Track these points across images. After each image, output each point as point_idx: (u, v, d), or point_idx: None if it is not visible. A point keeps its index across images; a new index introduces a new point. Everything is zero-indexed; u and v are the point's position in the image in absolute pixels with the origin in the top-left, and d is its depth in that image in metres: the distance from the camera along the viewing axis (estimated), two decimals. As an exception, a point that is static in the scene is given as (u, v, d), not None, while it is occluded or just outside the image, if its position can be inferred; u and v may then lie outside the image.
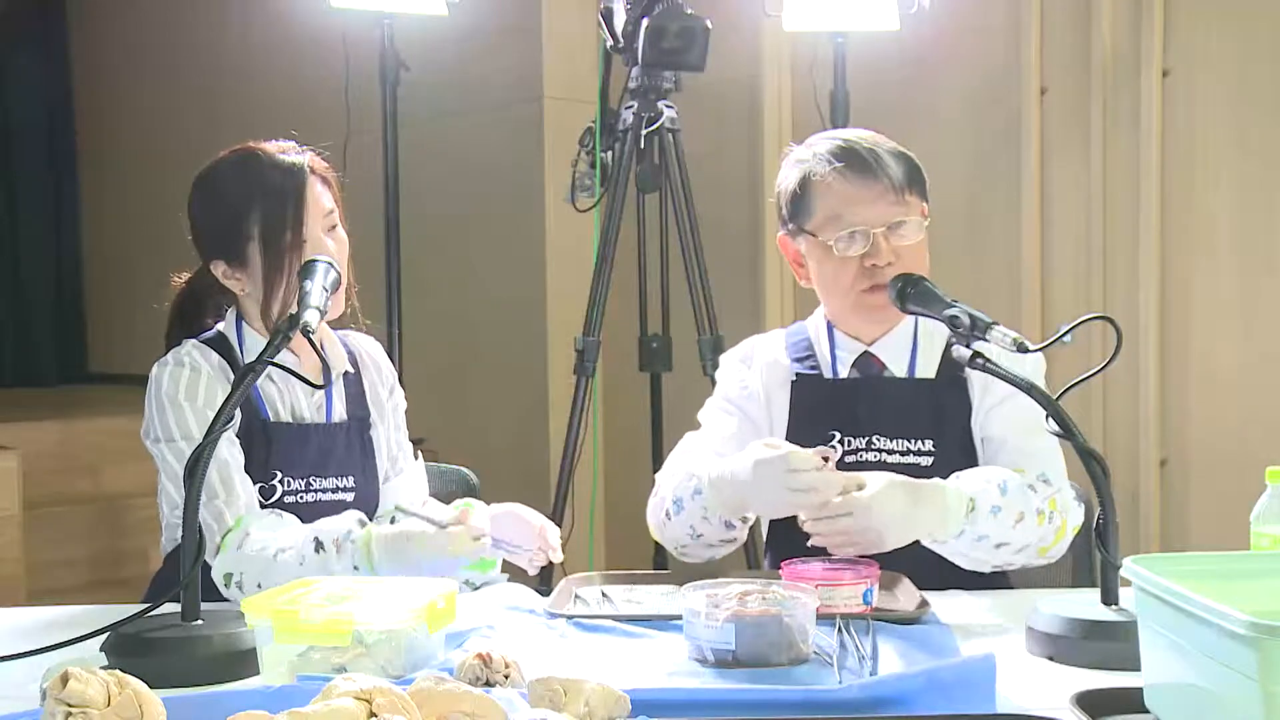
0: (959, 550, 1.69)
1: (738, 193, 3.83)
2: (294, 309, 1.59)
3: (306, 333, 1.54)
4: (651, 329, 3.30)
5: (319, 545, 1.62)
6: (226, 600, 1.64)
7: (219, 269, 1.82)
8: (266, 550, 1.64)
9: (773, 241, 3.80)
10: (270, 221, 1.75)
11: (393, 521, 1.91)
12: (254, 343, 1.81)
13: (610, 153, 3.15)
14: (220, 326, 1.85)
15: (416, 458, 1.99)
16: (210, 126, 5.52)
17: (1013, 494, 1.69)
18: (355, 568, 1.63)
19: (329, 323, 1.86)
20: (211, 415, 1.66)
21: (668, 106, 3.07)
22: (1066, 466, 1.79)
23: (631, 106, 3.08)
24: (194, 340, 1.83)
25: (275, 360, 1.52)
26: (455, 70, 4.11)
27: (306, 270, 1.64)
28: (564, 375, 3.46)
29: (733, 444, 1.91)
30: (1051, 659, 1.39)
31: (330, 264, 1.66)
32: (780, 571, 1.60)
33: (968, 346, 1.59)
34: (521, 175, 4.12)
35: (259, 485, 1.77)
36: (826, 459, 1.65)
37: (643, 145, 3.07)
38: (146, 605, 1.43)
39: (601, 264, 3.12)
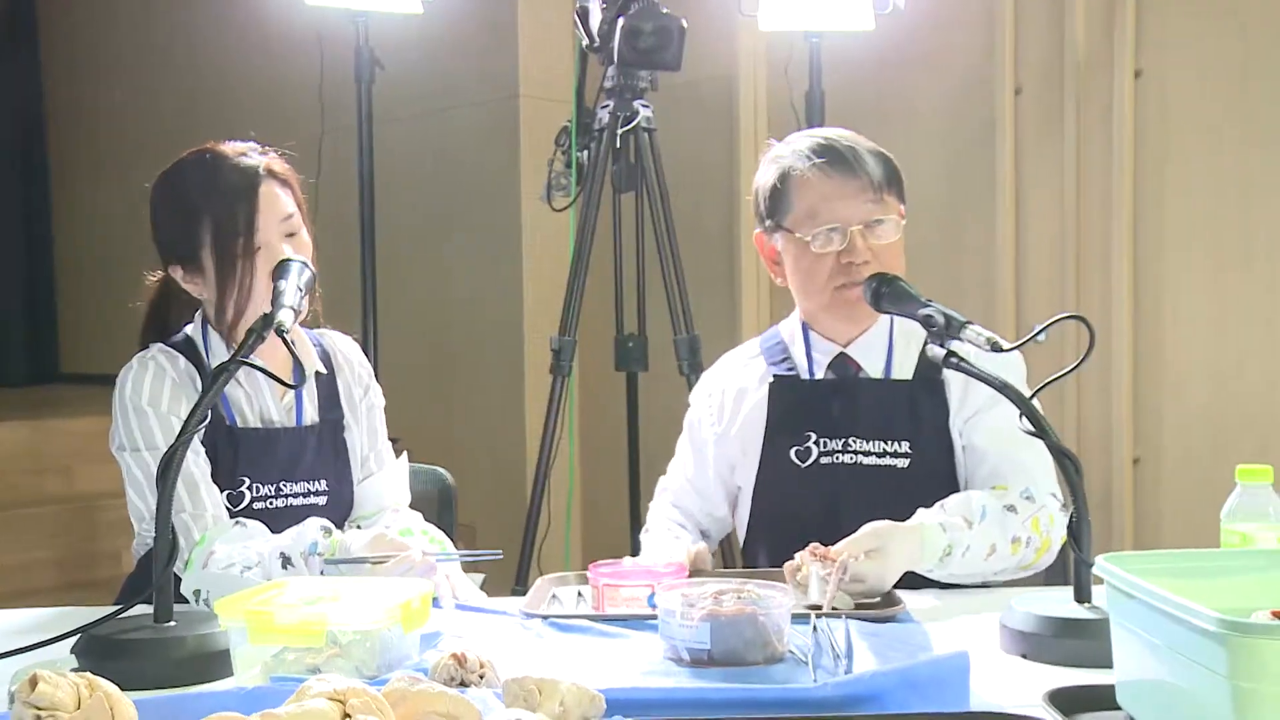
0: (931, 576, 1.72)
1: (714, 192, 3.83)
2: (268, 308, 1.58)
3: (281, 332, 1.53)
4: (628, 328, 3.30)
5: (286, 560, 1.60)
6: None
7: (177, 273, 1.80)
8: (233, 568, 1.62)
9: (749, 241, 3.81)
10: (221, 226, 1.72)
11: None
12: (220, 347, 1.79)
13: (586, 152, 3.14)
14: (188, 330, 1.83)
15: (399, 456, 1.97)
16: (185, 124, 5.48)
17: (989, 523, 1.70)
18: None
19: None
20: (177, 422, 1.67)
21: (644, 106, 3.07)
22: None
23: (607, 106, 3.08)
24: (161, 344, 1.80)
25: (248, 360, 1.51)
26: (430, 68, 4.10)
27: (281, 269, 1.63)
28: (540, 374, 3.46)
29: (689, 491, 1.99)
30: (1024, 656, 1.40)
31: (305, 264, 1.65)
32: (587, 571, 1.64)
33: (942, 346, 1.59)
34: (497, 174, 4.12)
35: (227, 492, 1.75)
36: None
37: (619, 144, 3.07)
38: (118, 607, 1.42)
39: (577, 263, 3.11)
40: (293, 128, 4.45)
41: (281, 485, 1.79)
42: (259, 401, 1.81)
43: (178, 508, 1.66)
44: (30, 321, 6.29)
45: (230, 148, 1.80)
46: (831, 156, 1.82)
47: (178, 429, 1.61)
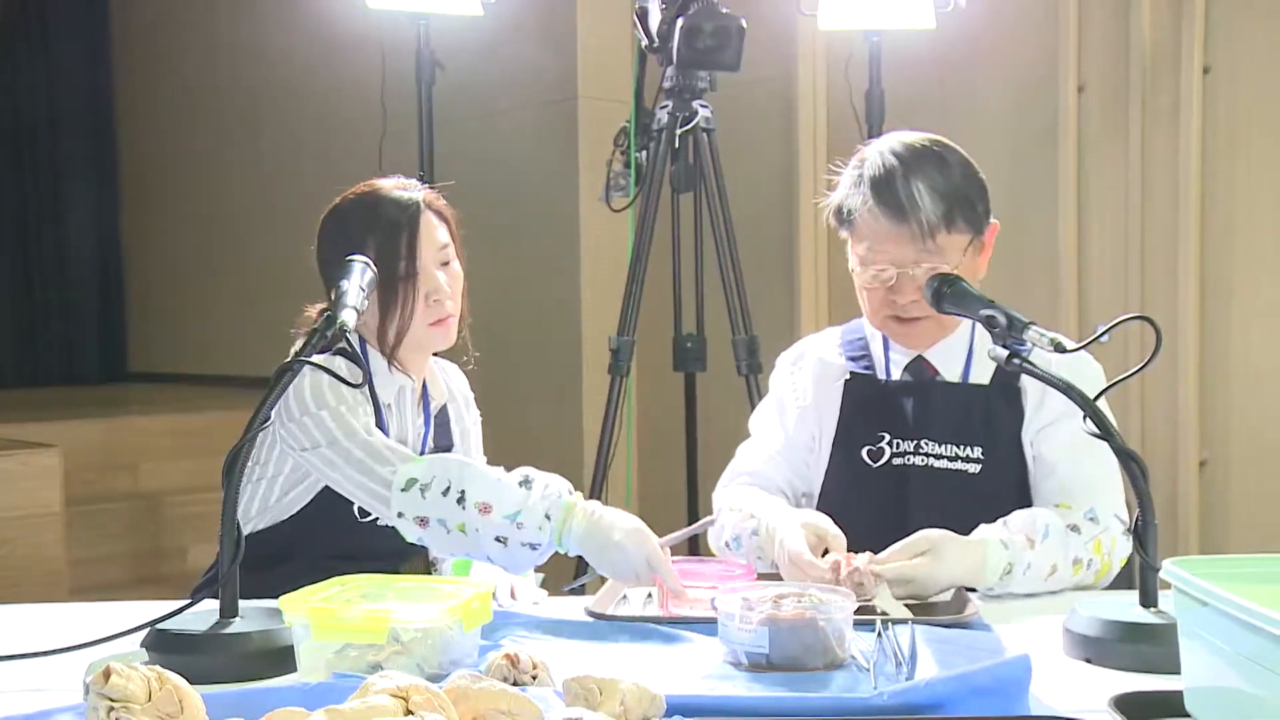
0: (990, 596, 1.69)
1: (773, 192, 3.82)
2: (424, 329, 1.73)
3: (344, 331, 1.55)
4: (686, 329, 3.30)
5: (526, 481, 1.64)
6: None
7: None
8: (468, 461, 1.68)
9: (807, 241, 3.80)
10: (384, 253, 1.80)
11: None
12: (379, 364, 1.86)
13: (645, 152, 3.15)
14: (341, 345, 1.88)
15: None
16: (250, 125, 5.57)
17: (1051, 542, 1.68)
18: (547, 516, 1.62)
19: (435, 353, 1.94)
20: (347, 412, 1.74)
21: (702, 106, 3.07)
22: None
23: (666, 106, 3.08)
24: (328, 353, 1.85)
25: (314, 360, 1.53)
26: (490, 70, 4.12)
27: (344, 269, 1.65)
28: (598, 375, 3.47)
29: (779, 461, 1.93)
30: (1089, 661, 1.38)
31: (367, 263, 1.67)
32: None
33: (1005, 347, 1.57)
34: (556, 175, 4.13)
35: (356, 505, 1.79)
36: (836, 569, 1.61)
37: (677, 145, 3.08)
38: (186, 602, 1.45)
39: (636, 264, 3.12)
40: (354, 128, 4.51)
41: None
42: (401, 425, 1.88)
43: (378, 436, 1.72)
44: (101, 320, 6.41)
45: (391, 183, 1.90)
46: (885, 197, 1.78)
47: (356, 416, 1.72)
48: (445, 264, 1.88)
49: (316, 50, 4.95)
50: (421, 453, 1.88)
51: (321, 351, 1.84)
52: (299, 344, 1.92)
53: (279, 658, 1.36)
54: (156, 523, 4.13)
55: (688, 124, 3.05)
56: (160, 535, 4.12)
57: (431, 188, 1.93)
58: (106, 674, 1.04)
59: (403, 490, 1.67)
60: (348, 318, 1.56)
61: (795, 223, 3.77)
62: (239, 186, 5.61)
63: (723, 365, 3.22)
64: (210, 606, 1.42)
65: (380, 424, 1.83)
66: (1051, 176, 3.27)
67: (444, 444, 1.94)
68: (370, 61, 4.07)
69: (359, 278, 1.64)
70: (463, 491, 1.64)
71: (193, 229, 6.01)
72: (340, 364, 1.81)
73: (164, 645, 1.37)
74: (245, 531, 1.81)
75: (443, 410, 1.96)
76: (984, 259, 1.86)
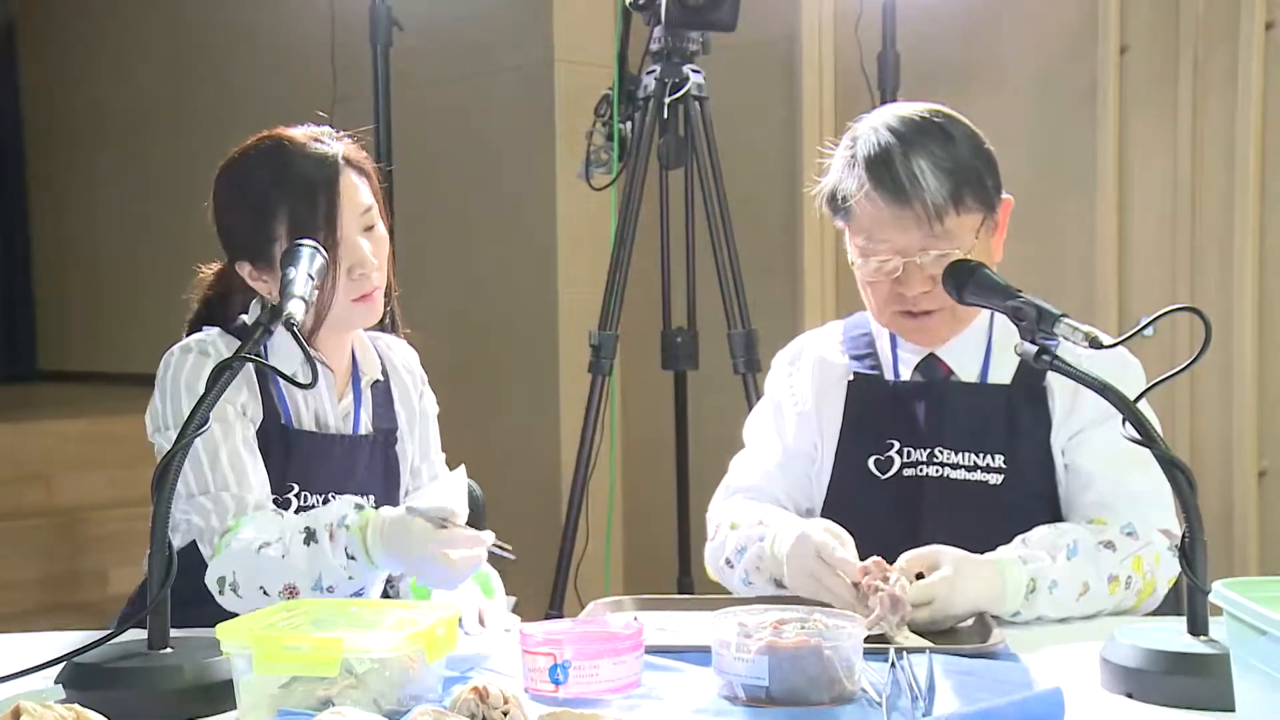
0: (1018, 623, 1.70)
1: (773, 169, 3.83)
2: (346, 308, 1.72)
3: (290, 326, 1.55)
4: (676, 322, 3.31)
5: (310, 536, 1.62)
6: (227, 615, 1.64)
7: (244, 270, 1.83)
8: (252, 545, 1.65)
9: (812, 224, 3.81)
10: (299, 222, 1.76)
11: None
12: (281, 342, 1.77)
13: (629, 123, 3.16)
14: (245, 318, 1.86)
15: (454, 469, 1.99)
16: (182, 95, 5.54)
17: (1081, 559, 1.69)
18: (351, 557, 1.61)
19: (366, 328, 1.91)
20: (230, 408, 1.73)
21: (694, 71, 3.08)
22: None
23: (653, 71, 3.09)
24: (219, 330, 1.84)
25: (253, 356, 1.53)
26: (454, 29, 4.12)
27: (291, 255, 1.65)
28: (577, 374, 3.47)
29: (777, 475, 1.94)
30: (1130, 696, 1.39)
31: (316, 248, 1.67)
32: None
33: (1033, 342, 1.58)
34: (529, 148, 4.13)
35: (273, 498, 1.78)
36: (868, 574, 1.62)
37: (666, 115, 3.08)
38: (108, 632, 1.45)
39: (619, 249, 3.13)
40: (297, 100, 4.49)
41: (331, 497, 1.80)
42: (316, 403, 1.85)
43: (220, 485, 1.71)
44: (5, 315, 6.37)
45: (303, 133, 1.84)
46: (883, 179, 1.78)
47: (232, 416, 1.72)
48: (369, 229, 1.82)
49: (254, 12, 4.93)
50: (355, 433, 1.86)
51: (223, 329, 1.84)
52: (192, 315, 1.91)
53: (216, 694, 1.36)
54: (73, 542, 4.12)
55: (678, 91, 3.06)
56: (77, 556, 4.10)
57: (355, 139, 1.87)
58: (16, 714, 1.05)
59: (220, 595, 1.68)
60: (295, 309, 1.56)
61: (798, 203, 3.78)
62: (164, 166, 5.58)
63: (717, 363, 3.23)
64: (137, 636, 1.42)
65: (285, 414, 1.81)
66: (1089, 150, 3.28)
67: (386, 425, 1.91)
68: (319, 19, 4.06)
69: (308, 264, 1.64)
70: (262, 587, 1.64)
71: (113, 213, 5.99)
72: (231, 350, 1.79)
73: (83, 681, 1.37)
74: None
75: (380, 386, 1.93)
76: (998, 240, 1.87)
